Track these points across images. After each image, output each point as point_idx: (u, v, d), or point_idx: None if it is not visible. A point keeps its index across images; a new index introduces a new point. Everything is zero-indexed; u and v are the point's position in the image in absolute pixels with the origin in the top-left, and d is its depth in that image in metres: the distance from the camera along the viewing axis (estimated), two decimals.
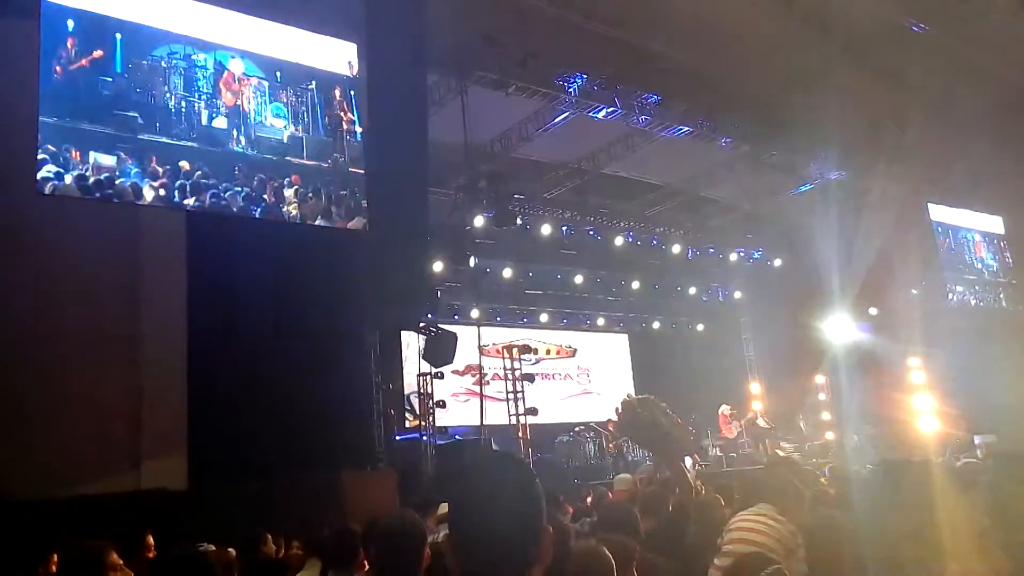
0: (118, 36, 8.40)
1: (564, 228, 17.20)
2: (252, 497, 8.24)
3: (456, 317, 17.35)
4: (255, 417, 9.22)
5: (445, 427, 15.25)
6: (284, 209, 9.20)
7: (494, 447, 13.61)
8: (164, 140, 8.43)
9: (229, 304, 9.35)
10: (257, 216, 9.03)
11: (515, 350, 16.08)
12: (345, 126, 10.02)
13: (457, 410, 16.67)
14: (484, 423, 14.72)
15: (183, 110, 8.70)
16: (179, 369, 9.16)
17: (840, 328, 18.22)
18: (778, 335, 19.19)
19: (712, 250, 19.72)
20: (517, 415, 15.08)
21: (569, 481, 13.44)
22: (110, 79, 8.28)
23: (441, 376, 14.51)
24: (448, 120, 12.23)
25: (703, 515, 4.89)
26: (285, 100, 9.59)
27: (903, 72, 13.52)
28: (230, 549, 5.30)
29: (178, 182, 8.37)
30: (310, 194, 9.40)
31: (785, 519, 3.69)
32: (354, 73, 10.25)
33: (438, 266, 14.78)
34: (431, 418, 14.20)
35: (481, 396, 15.39)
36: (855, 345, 17.69)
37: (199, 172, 8.54)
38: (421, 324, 13.28)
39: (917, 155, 15.87)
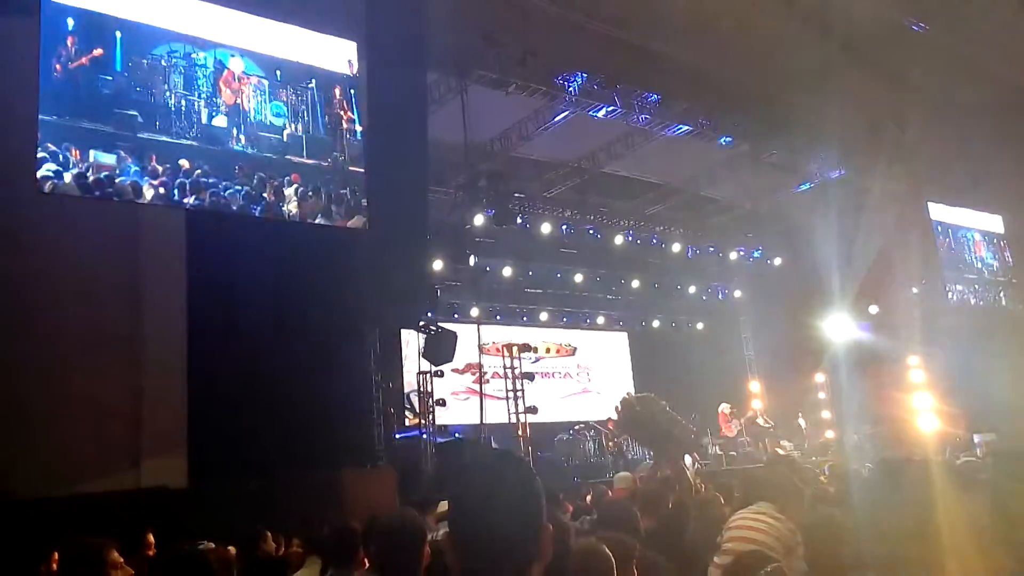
0: (118, 34, 8.40)
1: (564, 227, 17.20)
2: (252, 495, 8.25)
3: (456, 316, 17.34)
4: (255, 415, 9.23)
5: (445, 425, 15.26)
6: (284, 208, 9.19)
7: (494, 445, 13.62)
8: (164, 139, 8.43)
9: (229, 302, 9.36)
10: (257, 215, 9.02)
11: (515, 348, 16.08)
12: (345, 125, 10.02)
13: (457, 408, 16.68)
14: (484, 421, 14.73)
15: (183, 109, 8.70)
16: (179, 367, 9.17)
17: (840, 327, 18.22)
18: (778, 334, 19.20)
19: (712, 249, 19.73)
20: (517, 413, 15.08)
21: (569, 479, 13.46)
22: (110, 78, 8.27)
23: (441, 374, 14.52)
24: (448, 119, 12.23)
25: (703, 513, 4.90)
26: (285, 99, 9.59)
27: (903, 71, 13.52)
28: (230, 547, 5.31)
29: (178, 181, 8.37)
30: (310, 193, 9.40)
31: (784, 517, 3.70)
32: (354, 72, 10.25)
33: (438, 265, 14.79)
34: (431, 416, 14.21)
35: (481, 394, 15.39)
36: (855, 344, 17.69)
37: (199, 171, 8.54)
38: (421, 323, 13.28)
39: (917, 154, 15.88)
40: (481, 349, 15.95)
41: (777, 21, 12.12)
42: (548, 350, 20.57)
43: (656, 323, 22.21)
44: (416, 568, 2.83)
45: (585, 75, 12.75)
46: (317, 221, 9.49)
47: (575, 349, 21.30)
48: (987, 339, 15.47)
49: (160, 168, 8.27)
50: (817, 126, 14.54)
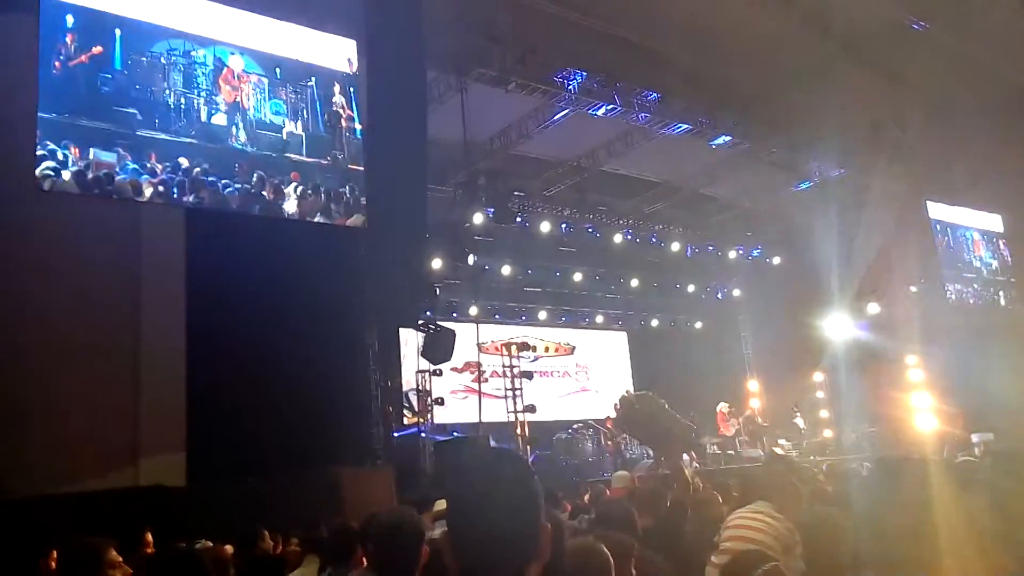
0: (117, 32, 8.39)
1: (563, 225, 17.21)
2: (250, 494, 8.24)
3: (455, 314, 17.35)
4: (253, 413, 9.23)
5: (444, 424, 15.28)
6: (283, 206, 9.19)
7: (492, 444, 13.62)
8: (163, 136, 8.43)
9: (228, 300, 9.35)
10: (256, 213, 9.02)
11: (514, 347, 16.10)
12: (344, 123, 10.02)
13: (455, 407, 16.69)
14: (482, 420, 14.74)
15: (182, 106, 8.69)
16: (177, 366, 9.16)
17: (838, 326, 18.24)
18: (777, 333, 19.21)
19: (711, 248, 19.74)
20: (515, 412, 15.09)
21: (567, 478, 13.47)
22: (109, 75, 8.26)
23: (440, 373, 14.53)
24: (447, 117, 12.23)
25: (700, 512, 4.90)
26: (284, 97, 9.59)
27: (903, 70, 13.52)
28: (227, 546, 5.31)
29: (177, 179, 8.37)
30: (309, 191, 9.40)
31: (782, 516, 3.70)
32: (353, 70, 10.24)
33: (437, 263, 14.79)
34: (430, 415, 14.21)
35: (480, 393, 15.41)
36: (853, 343, 17.70)
37: (198, 169, 8.54)
38: (420, 321, 13.29)
39: (917, 153, 15.88)
40: (480, 348, 15.97)
41: (777, 20, 12.12)
42: (547, 349, 20.58)
43: (655, 322, 22.22)
44: (414, 567, 2.83)
45: (585, 73, 12.75)
46: (316, 219, 9.49)
47: (574, 348, 21.31)
48: (986, 338, 15.48)
49: (159, 166, 8.27)
50: (816, 125, 14.54)
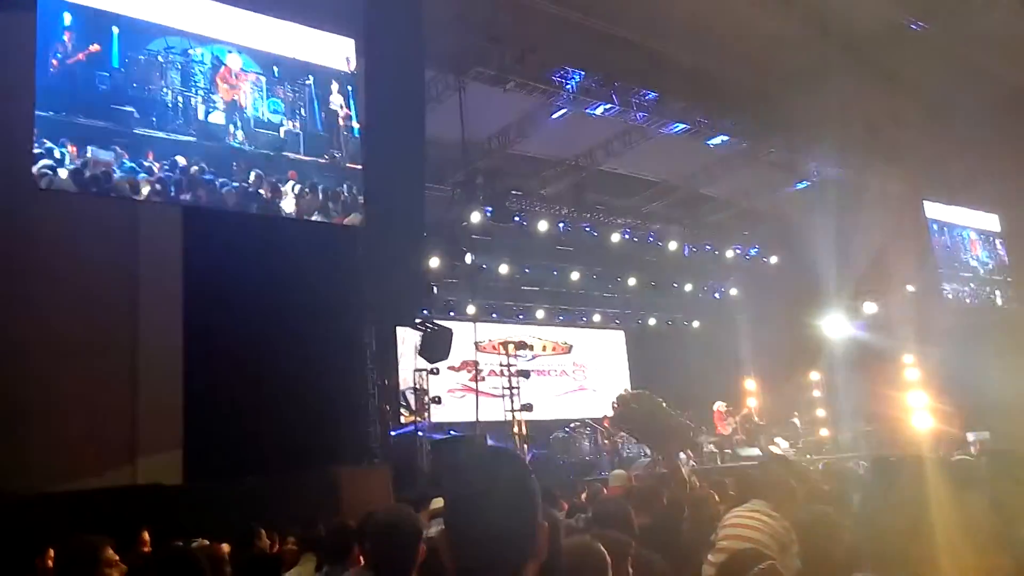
0: (115, 30, 8.38)
1: (561, 224, 17.22)
2: (247, 493, 8.23)
3: (452, 313, 17.37)
4: (251, 412, 9.22)
5: (441, 423, 15.28)
6: (281, 205, 9.19)
7: (490, 443, 13.63)
8: (161, 135, 8.42)
9: (225, 299, 9.34)
10: (254, 211, 9.02)
11: (511, 346, 16.11)
12: (342, 122, 10.01)
13: (453, 406, 16.70)
14: (480, 419, 14.75)
15: (180, 105, 8.68)
16: (175, 364, 9.15)
17: (835, 325, 18.27)
18: (774, 332, 19.22)
19: (708, 247, 19.76)
20: (513, 411, 15.10)
21: (564, 477, 13.48)
22: (107, 73, 8.25)
23: (437, 372, 14.53)
24: (446, 116, 12.23)
25: (697, 511, 4.91)
26: (282, 95, 9.58)
27: (901, 70, 13.54)
28: (223, 544, 5.31)
29: (175, 177, 8.36)
30: (307, 190, 9.39)
31: (779, 515, 3.71)
32: (352, 69, 10.24)
33: (435, 262, 14.80)
34: (427, 414, 14.22)
35: (477, 392, 15.42)
36: (850, 342, 17.73)
37: (196, 167, 8.53)
38: (417, 320, 13.29)
39: (914, 153, 15.91)
40: (477, 346, 15.99)
41: (775, 20, 12.13)
42: (544, 348, 20.60)
43: (652, 321, 22.25)
44: (410, 565, 2.83)
45: (583, 73, 12.75)
46: (314, 218, 9.48)
47: (571, 347, 21.33)
48: (982, 338, 15.50)
49: (157, 164, 8.26)
50: (814, 125, 14.56)
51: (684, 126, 14.45)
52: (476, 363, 16.57)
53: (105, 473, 8.51)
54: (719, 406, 17.85)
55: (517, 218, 15.94)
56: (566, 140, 15.36)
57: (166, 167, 8.31)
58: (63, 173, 7.66)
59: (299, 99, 9.69)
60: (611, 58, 12.74)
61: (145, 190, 8.18)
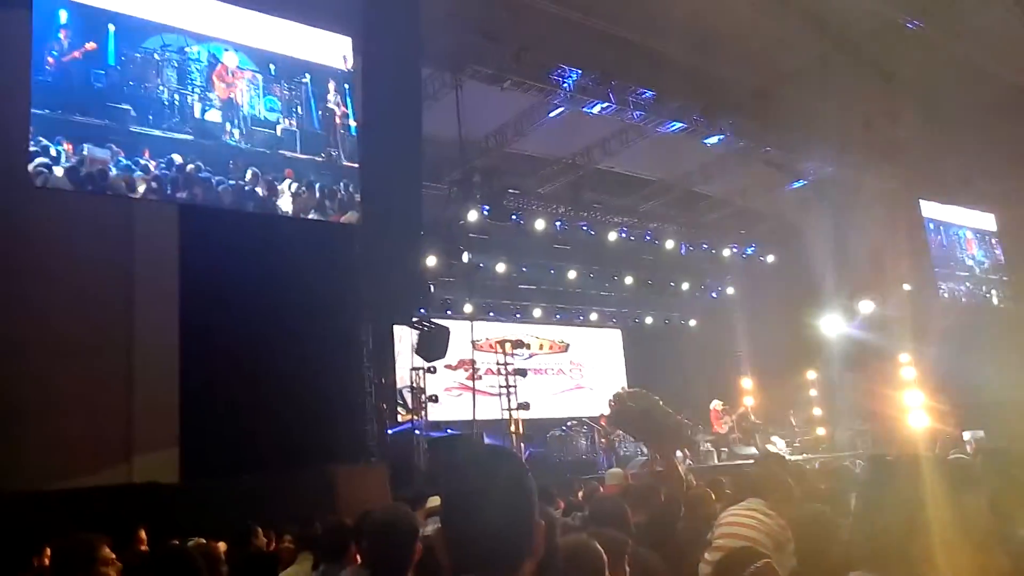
0: (111, 28, 8.36)
1: (558, 223, 17.21)
2: (244, 491, 8.22)
3: (449, 312, 17.38)
4: (247, 411, 9.21)
5: (437, 421, 15.28)
6: (277, 203, 9.18)
7: (486, 441, 13.63)
8: (157, 133, 8.40)
9: (221, 298, 9.33)
10: (250, 209, 9.00)
11: (508, 345, 16.09)
12: (339, 120, 10.00)
13: (449, 405, 16.70)
14: (476, 417, 14.75)
15: (176, 103, 8.67)
16: (171, 362, 9.14)
17: (832, 324, 18.29)
18: (770, 331, 19.25)
19: (705, 246, 19.76)
20: (509, 410, 15.10)
21: (561, 475, 13.48)
22: (103, 71, 8.24)
23: (434, 371, 14.52)
24: (443, 114, 12.22)
25: (694, 509, 4.92)
26: (279, 93, 9.57)
27: (897, 69, 13.55)
28: (220, 543, 5.30)
29: (171, 175, 8.35)
30: (303, 188, 9.38)
31: (775, 514, 3.71)
32: (348, 67, 10.23)
33: (431, 260, 14.77)
34: (424, 412, 14.21)
35: (474, 391, 15.41)
36: (847, 341, 17.75)
37: (192, 165, 8.51)
38: (414, 318, 13.28)
39: (910, 152, 15.92)
40: (474, 345, 15.98)
41: (772, 19, 12.13)
42: (541, 346, 20.61)
43: (649, 320, 22.28)
44: (407, 564, 2.83)
45: (580, 71, 12.75)
46: (311, 216, 9.47)
47: (568, 345, 21.34)
48: (978, 336, 15.54)
49: (153, 163, 8.25)
50: (810, 124, 14.57)
51: (681, 125, 14.46)
52: (473, 362, 16.57)
53: (101, 471, 8.50)
54: (716, 405, 17.86)
55: (514, 217, 15.93)
56: (563, 139, 15.36)
57: (162, 165, 8.30)
58: (59, 171, 7.65)
59: (296, 97, 9.68)
60: (608, 57, 12.74)
61: (141, 188, 8.16)
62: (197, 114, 8.81)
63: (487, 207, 14.67)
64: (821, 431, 18.72)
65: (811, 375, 19.77)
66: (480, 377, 16.79)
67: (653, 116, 14.13)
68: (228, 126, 9.01)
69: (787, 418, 19.44)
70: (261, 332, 9.58)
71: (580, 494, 8.18)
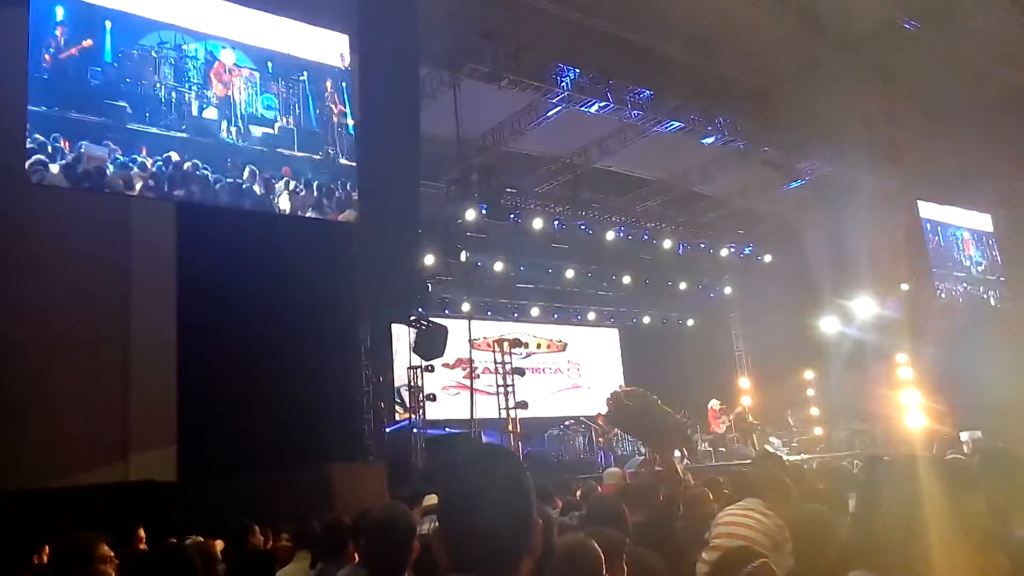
0: (108, 25, 8.34)
1: (555, 222, 17.20)
2: (241, 489, 8.22)
3: (447, 310, 17.37)
4: (245, 409, 9.20)
5: (435, 420, 15.28)
6: (275, 201, 9.16)
7: (484, 440, 13.64)
8: (154, 130, 8.38)
9: (219, 296, 9.32)
10: (247, 207, 8.99)
11: (506, 344, 16.10)
12: (336, 118, 9.99)
13: (447, 403, 16.68)
14: (474, 416, 14.74)
15: (173, 100, 8.65)
16: (168, 361, 9.13)
17: (829, 324, 18.31)
18: (768, 331, 19.28)
19: (703, 245, 19.77)
20: (507, 408, 15.10)
21: (559, 474, 13.49)
22: (99, 68, 8.22)
23: (431, 369, 14.51)
24: (440, 113, 12.20)
25: (692, 509, 4.92)
26: (276, 91, 9.55)
27: (895, 70, 13.56)
28: (217, 541, 5.30)
29: (168, 173, 8.33)
30: (301, 186, 9.36)
31: (773, 513, 3.71)
32: (346, 65, 10.21)
33: (429, 259, 14.77)
34: (421, 411, 14.21)
35: (471, 389, 15.40)
36: (844, 341, 17.78)
37: (189, 163, 8.50)
38: (412, 317, 13.27)
39: (908, 152, 15.94)
40: (472, 344, 15.95)
41: (771, 19, 12.14)
42: (539, 345, 20.62)
43: (647, 319, 22.29)
44: (405, 563, 2.83)
45: (578, 70, 12.74)
46: (308, 214, 9.46)
47: (566, 345, 21.34)
48: (975, 337, 15.56)
49: (150, 160, 8.23)
50: (809, 124, 14.58)
51: (679, 124, 14.45)
52: (471, 360, 16.56)
53: (98, 470, 8.49)
54: (713, 404, 17.88)
55: (512, 216, 15.92)
56: (561, 138, 15.35)
57: (159, 162, 8.28)
58: (55, 168, 7.63)
59: (293, 95, 9.66)
60: (606, 56, 12.74)
61: (138, 185, 8.15)
62: (194, 112, 8.79)
63: (485, 206, 14.66)
64: (818, 431, 18.75)
65: (809, 375, 19.80)
66: (478, 376, 16.79)
67: (651, 115, 14.12)
68: (225, 124, 8.99)
69: (785, 418, 19.47)
70: (259, 330, 9.57)
71: (578, 493, 8.17)
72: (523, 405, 15.22)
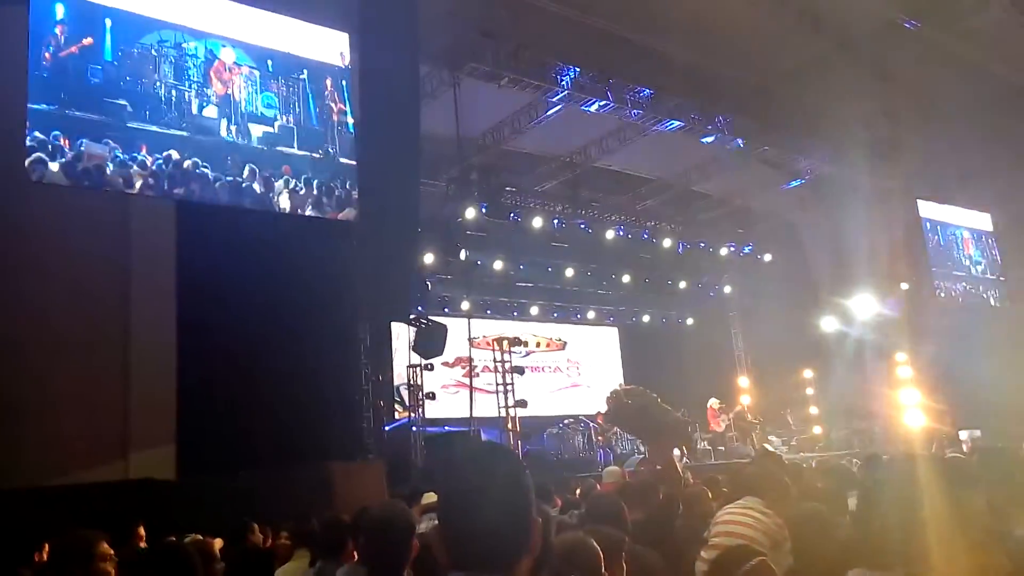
0: (108, 23, 8.34)
1: (555, 221, 17.17)
2: (241, 488, 8.22)
3: (446, 309, 17.37)
4: (244, 408, 9.21)
5: (434, 419, 15.28)
6: (274, 199, 9.16)
7: (483, 438, 13.64)
8: (154, 129, 8.38)
9: (218, 294, 9.32)
10: (247, 206, 8.99)
11: (505, 342, 16.10)
12: (336, 117, 9.98)
13: (447, 402, 16.68)
14: (473, 415, 14.75)
15: (173, 99, 8.64)
16: (168, 359, 9.13)
17: (829, 323, 18.32)
18: (767, 329, 19.28)
19: (703, 244, 19.75)
20: (507, 407, 15.11)
21: (558, 473, 13.49)
22: (99, 67, 8.21)
23: (431, 368, 14.51)
24: (440, 112, 12.20)
25: (691, 507, 4.92)
26: (276, 90, 9.54)
27: (894, 69, 13.57)
28: (216, 539, 5.30)
29: (168, 171, 8.32)
30: (301, 185, 9.36)
31: (772, 512, 3.71)
32: (346, 63, 10.21)
33: (429, 258, 14.77)
34: (421, 410, 14.21)
35: (471, 388, 15.41)
36: (843, 340, 17.79)
37: (189, 161, 8.49)
38: (411, 316, 13.28)
39: (907, 151, 15.94)
40: (471, 343, 15.96)
41: (770, 17, 12.14)
42: (538, 344, 20.61)
43: (646, 318, 22.29)
44: (404, 561, 2.83)
45: (578, 69, 12.74)
46: (308, 213, 9.45)
47: (565, 343, 21.35)
48: (974, 336, 15.57)
49: (150, 158, 8.22)
50: (808, 123, 14.58)
51: (679, 123, 14.45)
52: (470, 359, 16.56)
53: (98, 468, 8.49)
54: (712, 403, 17.90)
55: (512, 214, 15.92)
56: (561, 137, 15.34)
57: (159, 161, 8.28)
58: (55, 166, 7.62)
59: (293, 94, 9.66)
60: (606, 55, 12.73)
61: (138, 184, 8.14)
62: (194, 110, 8.79)
63: (485, 205, 14.66)
64: (818, 430, 18.78)
65: (808, 374, 19.82)
66: (477, 374, 16.80)
67: (651, 114, 14.11)
68: (225, 122, 8.98)
69: (784, 417, 19.48)
70: (258, 329, 9.57)
71: (577, 492, 8.17)
72: (522, 404, 15.23)
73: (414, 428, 13.77)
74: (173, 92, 8.66)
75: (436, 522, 1.55)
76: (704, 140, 15.20)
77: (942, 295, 17.39)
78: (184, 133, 8.60)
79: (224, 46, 9.21)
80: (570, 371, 21.16)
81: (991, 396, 14.05)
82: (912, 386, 16.52)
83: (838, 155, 16.05)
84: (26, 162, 7.45)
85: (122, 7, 8.52)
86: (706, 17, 11.87)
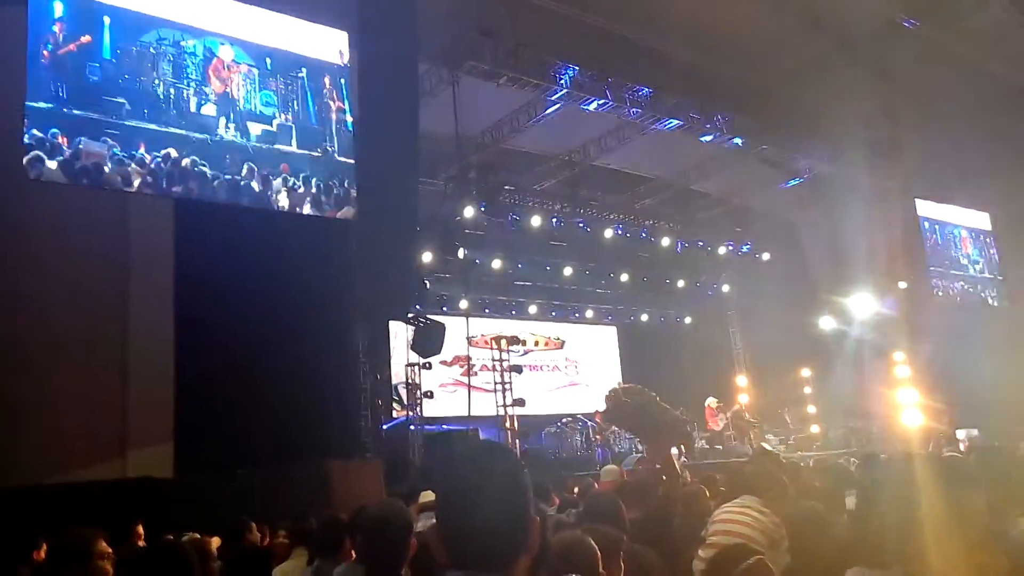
0: (106, 21, 8.33)
1: (554, 220, 17.16)
2: (239, 486, 8.22)
3: (445, 308, 17.36)
4: (242, 406, 9.20)
5: (433, 417, 15.28)
6: (273, 197, 9.15)
7: (481, 437, 13.64)
8: (152, 127, 8.37)
9: (217, 292, 9.31)
10: (245, 204, 8.98)
11: (503, 341, 16.11)
12: (335, 115, 9.98)
13: (445, 401, 16.70)
14: (471, 414, 14.75)
15: (172, 97, 8.64)
16: (166, 358, 9.12)
17: (827, 322, 18.33)
18: (765, 328, 19.29)
19: (701, 243, 19.75)
20: (505, 406, 15.11)
21: (556, 472, 13.50)
22: (98, 65, 8.20)
23: (429, 367, 14.51)
24: (439, 110, 12.19)
25: (689, 506, 4.92)
26: (275, 88, 9.53)
27: (894, 68, 13.57)
28: (214, 538, 5.30)
29: (166, 169, 8.32)
30: (299, 183, 9.36)
31: (769, 511, 3.71)
32: (345, 62, 10.20)
33: (427, 256, 14.76)
34: (419, 408, 14.21)
35: (469, 387, 15.42)
36: (841, 339, 17.80)
37: (187, 159, 8.49)
38: (409, 314, 13.26)
39: (906, 151, 15.95)
40: (469, 341, 15.98)
41: (770, 17, 12.14)
42: (536, 343, 20.61)
43: (645, 317, 22.29)
44: (402, 560, 2.83)
45: (577, 68, 12.73)
46: (306, 211, 9.45)
47: (563, 342, 21.35)
48: (972, 335, 15.59)
49: (148, 156, 8.22)
50: (807, 122, 14.59)
51: (678, 122, 14.44)
52: (468, 358, 16.57)
53: (96, 466, 8.48)
54: (710, 402, 17.90)
55: (510, 213, 15.91)
56: (559, 135, 15.34)
57: (158, 159, 8.27)
58: (53, 164, 7.62)
59: (292, 92, 9.65)
60: (605, 53, 12.73)
61: (136, 182, 8.14)
62: (193, 108, 8.78)
63: (483, 203, 14.65)
64: (815, 429, 18.79)
65: (806, 373, 19.84)
66: (475, 373, 16.80)
67: (650, 113, 14.10)
68: (224, 120, 8.98)
69: (782, 415, 19.49)
70: (256, 327, 9.56)
71: (575, 490, 8.17)
72: (520, 402, 15.24)
73: (412, 427, 13.76)
74: (172, 90, 8.65)
75: (434, 521, 1.55)
76: (703, 139, 15.20)
77: (940, 294, 17.40)
78: (182, 131, 8.59)
79: (223, 44, 9.20)
80: (568, 370, 21.16)
81: (989, 395, 14.07)
82: (910, 385, 16.54)
83: (837, 154, 16.06)
84: (24, 160, 7.44)
85: (121, 5, 8.51)
86: (705, 16, 11.88)
